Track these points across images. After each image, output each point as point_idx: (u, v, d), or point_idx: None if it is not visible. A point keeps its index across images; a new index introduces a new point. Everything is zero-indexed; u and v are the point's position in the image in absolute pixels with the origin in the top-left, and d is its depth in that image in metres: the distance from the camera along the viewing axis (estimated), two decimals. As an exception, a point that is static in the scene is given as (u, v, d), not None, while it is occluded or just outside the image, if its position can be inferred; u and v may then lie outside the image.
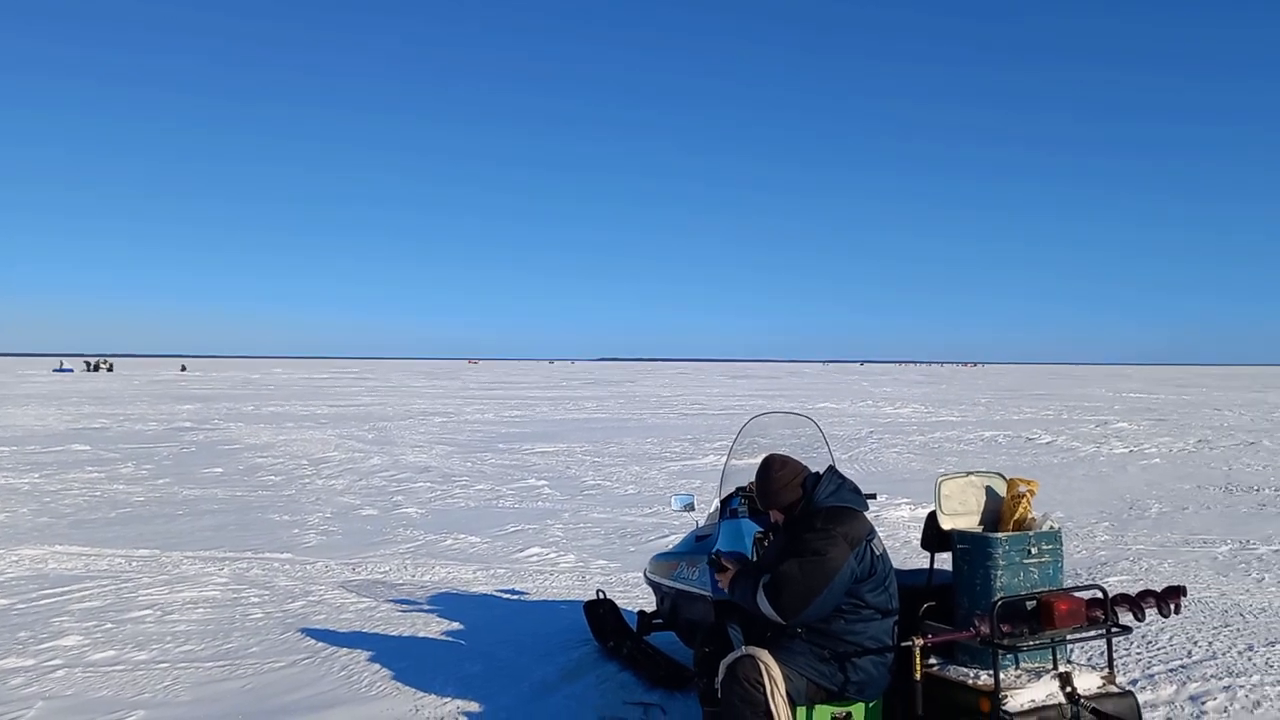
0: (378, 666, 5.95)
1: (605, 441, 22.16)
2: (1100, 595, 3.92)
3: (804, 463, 4.48)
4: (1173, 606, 4.01)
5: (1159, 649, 5.98)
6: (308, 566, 8.97)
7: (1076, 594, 3.95)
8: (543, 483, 14.88)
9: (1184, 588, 4.05)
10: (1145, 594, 4.03)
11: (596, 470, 16.63)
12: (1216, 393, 54.23)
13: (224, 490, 14.15)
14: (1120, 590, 4.24)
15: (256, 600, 7.66)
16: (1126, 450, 19.85)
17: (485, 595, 7.95)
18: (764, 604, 3.94)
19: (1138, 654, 5.89)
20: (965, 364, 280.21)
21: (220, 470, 16.61)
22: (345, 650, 6.31)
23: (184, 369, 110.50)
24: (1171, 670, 5.58)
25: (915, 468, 16.85)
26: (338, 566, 9.00)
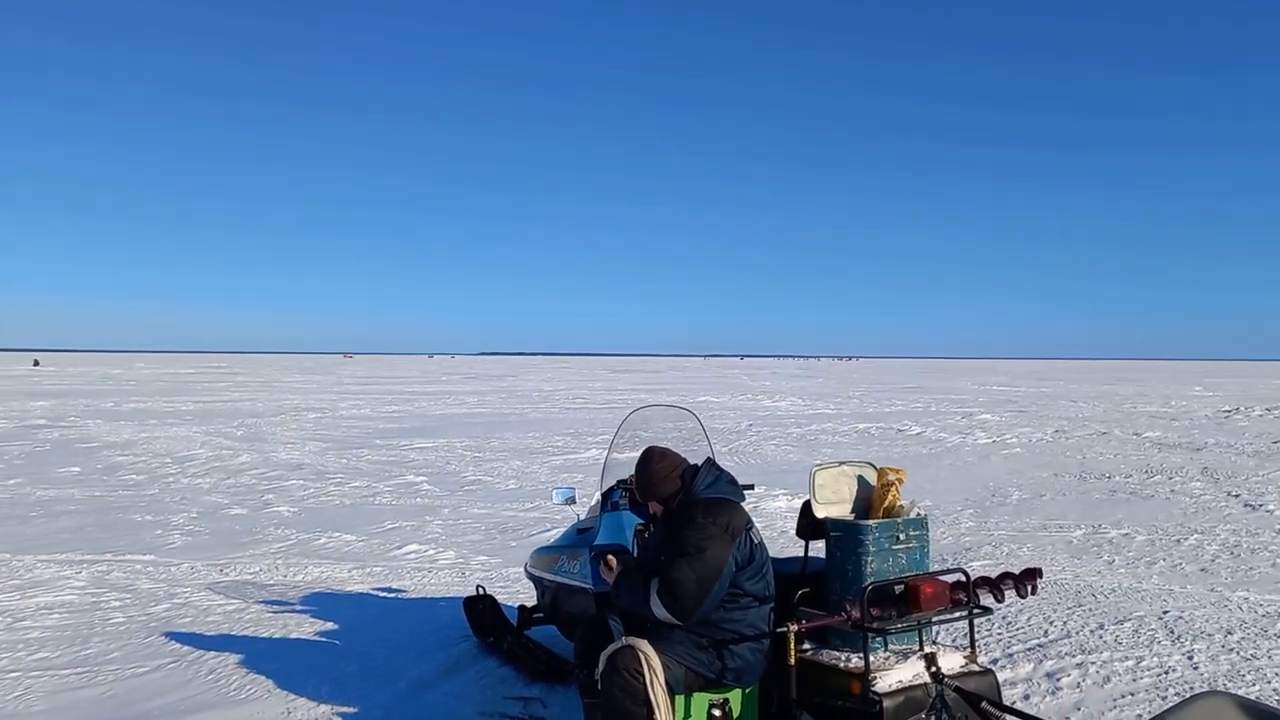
0: (247, 669, 5.76)
1: (486, 436, 21.95)
2: (963, 578, 4.09)
3: (685, 455, 4.53)
4: (1029, 588, 4.21)
5: (1019, 629, 6.27)
6: (172, 568, 8.60)
7: (941, 578, 4.11)
8: (421, 478, 14.63)
9: (1039, 570, 4.25)
10: (1004, 576, 4.22)
11: (477, 465, 16.45)
12: (1073, 385, 57.18)
13: (82, 490, 13.43)
14: (981, 574, 4.43)
15: (118, 604, 7.31)
16: (990, 440, 20.75)
17: (361, 594, 7.78)
18: (660, 611, 3.95)
19: (999, 634, 6.17)
20: (841, 358, 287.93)
21: (78, 469, 15.77)
22: (213, 653, 6.08)
23: (37, 364, 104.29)
24: (1030, 649, 5.87)
25: (792, 459, 17.22)
26: (205, 568, 8.66)
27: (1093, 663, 5.57)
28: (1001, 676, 5.36)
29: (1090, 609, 6.78)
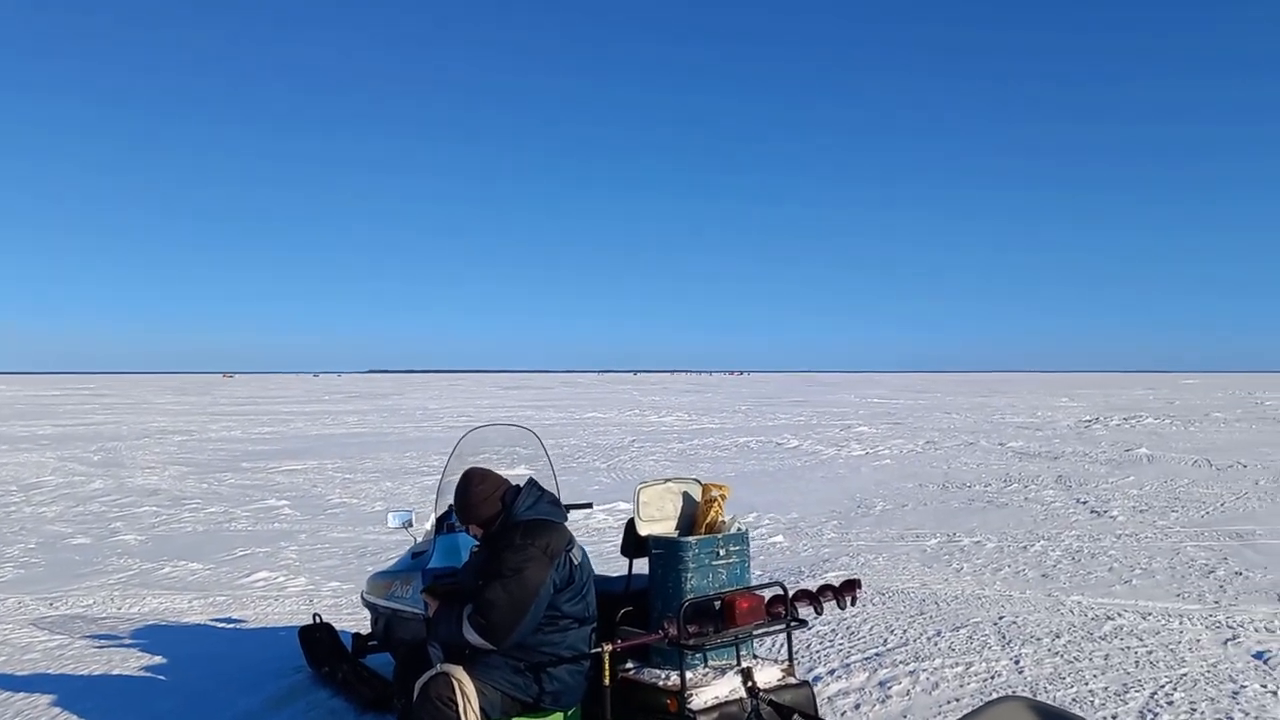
0: (59, 709, 5.44)
1: (360, 457, 21.42)
2: (781, 592, 4.12)
3: (529, 475, 4.48)
4: (849, 599, 4.26)
5: (860, 639, 6.37)
6: (-4, 604, 8.09)
7: (759, 592, 4.14)
8: (283, 502, 14.14)
9: (859, 581, 4.31)
10: (824, 588, 4.26)
11: (345, 487, 16.01)
12: (949, 397, 59.16)
13: (-92, 523, 12.56)
14: (802, 586, 4.47)
15: (-75, 645, 6.82)
16: (863, 452, 21.25)
17: (199, 625, 7.44)
18: (472, 636, 3.87)
19: (840, 645, 6.25)
20: (732, 372, 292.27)
21: (-93, 500, 14.76)
22: (23, 694, 5.72)
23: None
24: (867, 658, 5.95)
25: (671, 474, 17.25)
26: (33, 602, 8.17)
27: (924, 670, 5.68)
28: (836, 687, 5.47)
29: (931, 616, 6.94)
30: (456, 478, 5.54)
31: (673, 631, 3.77)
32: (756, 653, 4.34)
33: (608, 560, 7.58)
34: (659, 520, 4.36)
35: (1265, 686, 5.38)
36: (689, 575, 4.09)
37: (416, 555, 5.50)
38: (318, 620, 6.36)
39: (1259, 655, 5.98)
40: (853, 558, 9.40)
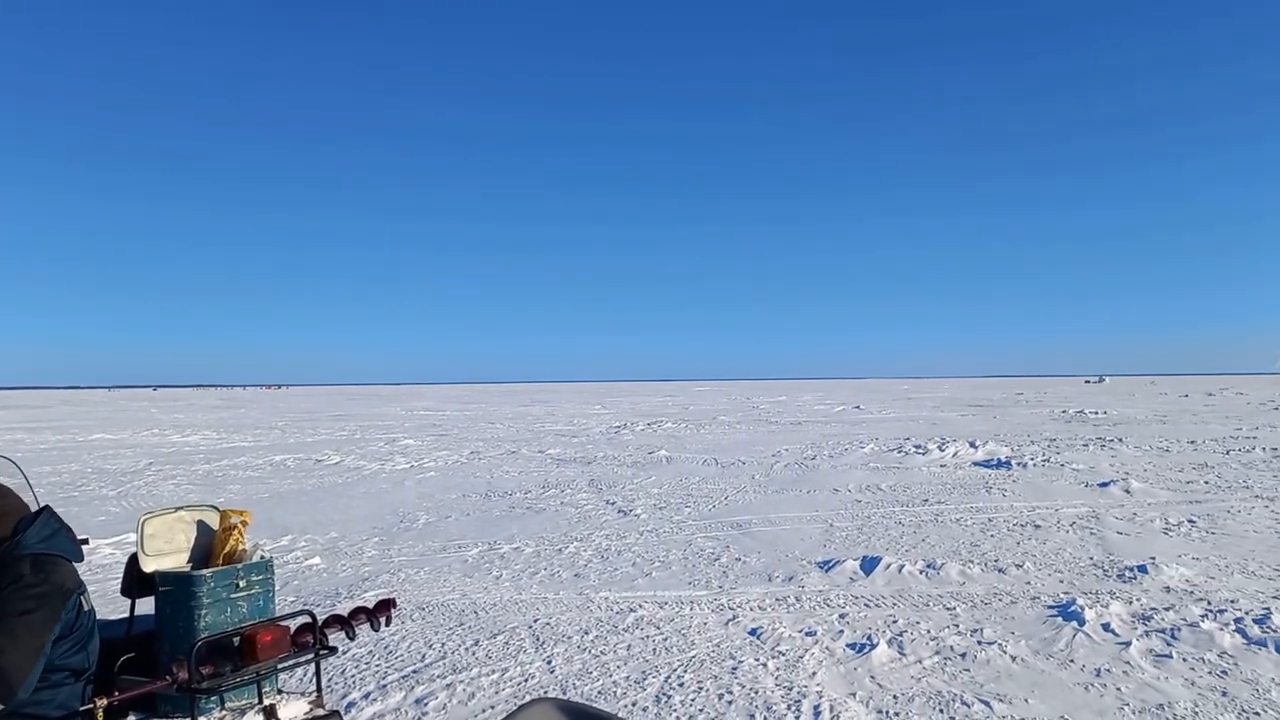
0: None
1: None
2: (310, 620, 3.89)
3: (49, 504, 3.75)
4: (383, 620, 4.14)
5: (397, 658, 6.25)
6: None
7: (285, 622, 3.87)
8: None
9: (394, 600, 4.21)
10: (357, 611, 4.10)
11: None
12: (494, 407, 60.99)
13: None
14: (335, 611, 4.28)
15: None
16: (408, 465, 21.11)
17: None
18: None
19: (376, 666, 6.09)
20: (269, 386, 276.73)
21: None
22: None
23: None
24: (404, 677, 5.86)
25: (193, 500, 15.84)
26: None
27: (461, 681, 5.72)
28: (371, 710, 5.30)
29: (470, 626, 7.02)
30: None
31: (182, 675, 3.38)
32: (283, 687, 4.06)
33: (111, 602, 6.72)
34: (168, 553, 3.92)
35: (758, 660, 6.12)
36: (203, 612, 3.71)
37: None
38: None
39: (754, 632, 6.80)
40: (394, 574, 9.25)
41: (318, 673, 4.02)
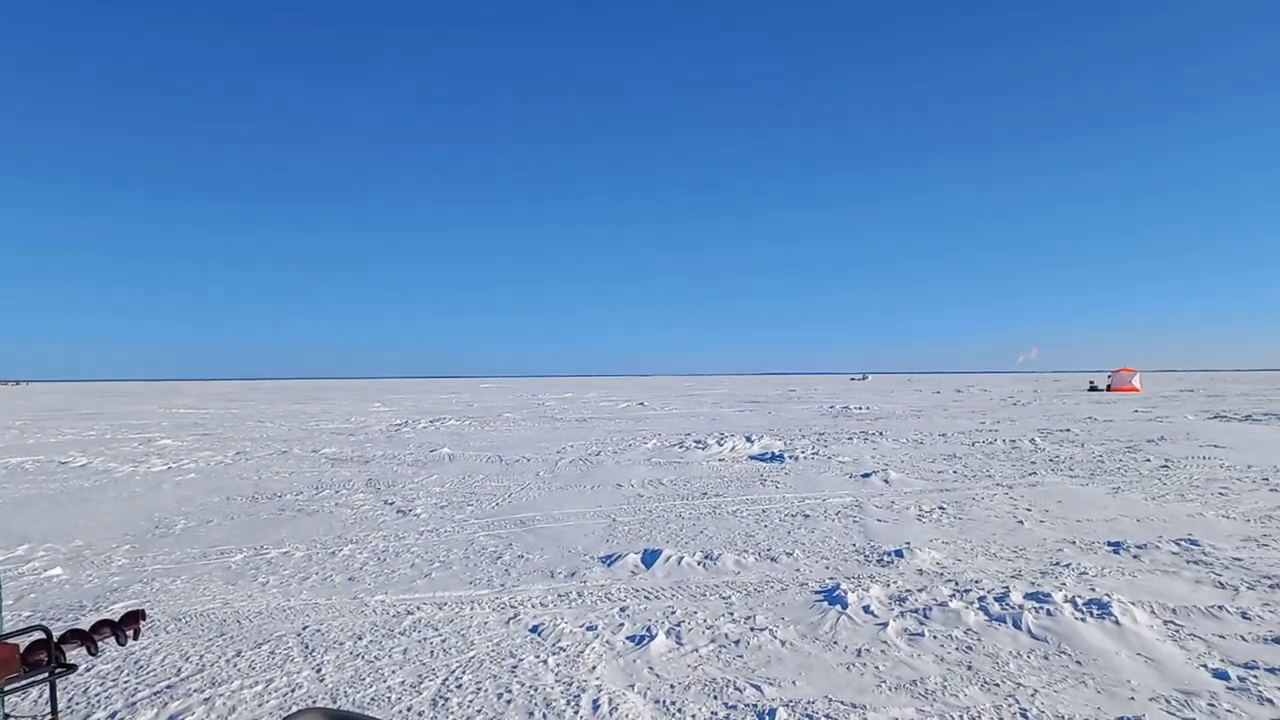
0: None
1: None
2: (44, 636, 3.51)
3: None
4: (131, 633, 3.79)
5: (149, 673, 5.79)
6: None
7: (13, 640, 3.48)
8: None
9: (142, 612, 3.86)
10: (101, 624, 3.73)
11: None
12: (264, 406, 57.84)
13: None
14: (77, 626, 3.89)
15: None
16: (166, 467, 19.68)
17: None
18: None
19: (125, 683, 5.61)
20: (5, 382, 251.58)
21: None
22: None
23: None
24: (157, 693, 5.43)
25: (-91, 507, 14.11)
26: None
27: (221, 695, 5.36)
28: (118, 732, 4.87)
29: (232, 636, 6.59)
30: None
31: (-114, 707, 2.98)
32: (13, 711, 3.66)
33: None
34: None
35: (538, 657, 6.08)
36: (-88, 633, 3.28)
37: None
38: None
39: (535, 629, 6.75)
40: (147, 584, 8.57)
41: (53, 694, 3.63)
